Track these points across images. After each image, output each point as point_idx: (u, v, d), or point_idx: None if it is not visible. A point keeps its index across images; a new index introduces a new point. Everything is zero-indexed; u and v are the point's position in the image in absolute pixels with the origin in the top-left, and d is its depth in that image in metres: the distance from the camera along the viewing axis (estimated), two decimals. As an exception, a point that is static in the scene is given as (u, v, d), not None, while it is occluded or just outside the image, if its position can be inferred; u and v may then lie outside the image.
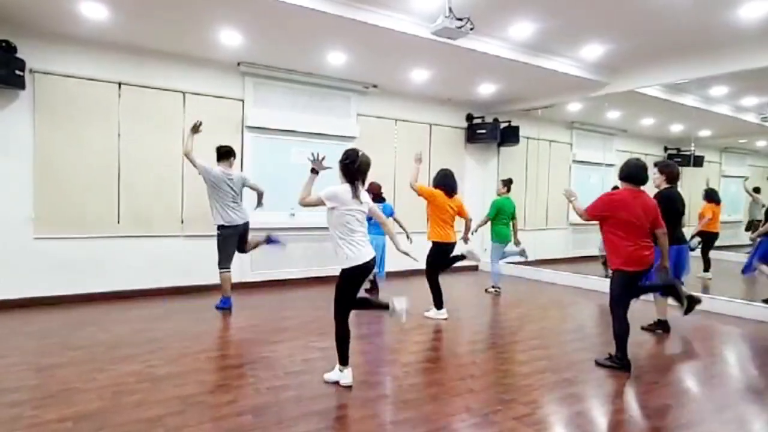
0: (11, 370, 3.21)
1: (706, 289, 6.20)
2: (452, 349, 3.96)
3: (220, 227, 4.91)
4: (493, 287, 6.20)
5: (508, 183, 6.23)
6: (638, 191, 3.45)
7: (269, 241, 5.33)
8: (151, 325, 4.36)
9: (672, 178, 4.24)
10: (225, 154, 4.96)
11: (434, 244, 4.83)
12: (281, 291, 5.93)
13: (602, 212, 3.44)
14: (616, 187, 6.79)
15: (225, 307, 4.94)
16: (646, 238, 3.41)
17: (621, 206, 3.36)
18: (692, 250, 6.43)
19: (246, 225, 5.03)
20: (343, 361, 3.07)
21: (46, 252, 4.99)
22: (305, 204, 3.04)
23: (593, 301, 5.89)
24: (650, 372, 3.43)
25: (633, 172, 3.45)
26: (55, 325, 4.31)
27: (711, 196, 6.85)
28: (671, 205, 4.12)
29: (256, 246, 5.29)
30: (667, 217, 3.66)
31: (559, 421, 2.68)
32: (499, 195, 6.22)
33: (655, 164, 4.34)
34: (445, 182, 4.82)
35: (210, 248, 5.79)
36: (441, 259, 4.86)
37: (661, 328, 4.44)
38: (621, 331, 3.43)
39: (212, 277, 5.82)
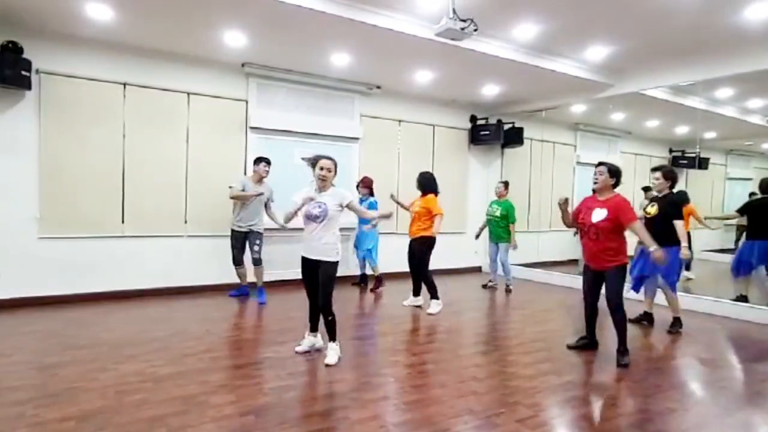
0: (14, 369, 3.22)
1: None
2: (455, 351, 3.94)
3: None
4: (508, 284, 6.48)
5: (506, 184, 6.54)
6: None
7: None
8: (154, 325, 4.37)
9: (675, 182, 4.52)
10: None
11: (429, 238, 5.08)
12: (284, 291, 5.92)
13: None
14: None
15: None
16: None
17: None
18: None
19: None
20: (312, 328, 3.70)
21: (51, 252, 5.01)
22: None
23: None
24: (654, 375, 3.40)
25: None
26: (59, 325, 4.32)
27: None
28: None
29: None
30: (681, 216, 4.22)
31: (562, 424, 2.67)
32: (500, 197, 6.41)
33: (658, 169, 4.54)
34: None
35: (212, 248, 5.85)
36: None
37: (646, 320, 4.78)
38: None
39: (215, 277, 5.87)
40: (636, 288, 4.62)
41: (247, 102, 6.05)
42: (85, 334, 4.03)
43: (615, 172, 3.62)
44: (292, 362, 3.50)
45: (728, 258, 7.24)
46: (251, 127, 6.08)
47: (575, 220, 3.85)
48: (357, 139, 6.84)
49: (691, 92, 6.33)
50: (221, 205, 5.83)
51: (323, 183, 3.43)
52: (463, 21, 3.94)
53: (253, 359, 3.59)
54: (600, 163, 3.69)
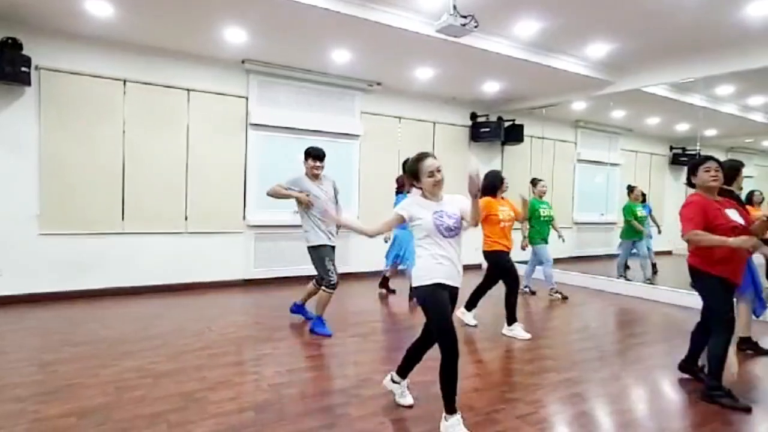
0: (15, 366, 3.22)
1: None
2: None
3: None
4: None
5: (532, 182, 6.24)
6: None
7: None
8: (154, 321, 4.37)
9: None
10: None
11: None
12: (285, 288, 5.92)
13: None
14: (630, 187, 6.78)
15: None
16: None
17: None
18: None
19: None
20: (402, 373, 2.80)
21: (51, 248, 5.01)
22: None
23: (599, 301, 5.86)
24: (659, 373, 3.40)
25: None
26: (59, 321, 4.32)
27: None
28: None
29: None
30: None
31: (562, 421, 2.67)
32: (542, 196, 6.10)
33: (736, 163, 3.72)
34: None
35: (212, 246, 5.85)
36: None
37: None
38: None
39: (215, 274, 5.87)
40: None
41: (247, 99, 6.04)
42: (85, 331, 4.03)
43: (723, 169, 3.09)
44: (291, 359, 3.50)
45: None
46: (251, 124, 6.07)
47: (718, 227, 2.94)
48: (357, 136, 6.83)
49: (692, 89, 6.32)
50: (221, 202, 5.84)
51: (437, 188, 2.72)
52: (464, 17, 3.94)
53: (252, 356, 3.58)
54: (709, 158, 3.06)
